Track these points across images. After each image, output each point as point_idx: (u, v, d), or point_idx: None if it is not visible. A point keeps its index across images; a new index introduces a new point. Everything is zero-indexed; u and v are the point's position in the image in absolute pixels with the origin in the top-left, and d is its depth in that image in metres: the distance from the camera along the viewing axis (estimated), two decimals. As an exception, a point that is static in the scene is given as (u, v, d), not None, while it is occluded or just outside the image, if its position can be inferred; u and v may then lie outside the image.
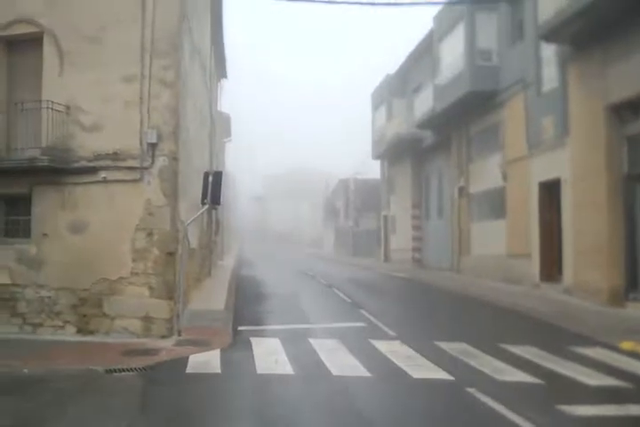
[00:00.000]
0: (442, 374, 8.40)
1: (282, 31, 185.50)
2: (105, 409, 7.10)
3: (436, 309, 15.47)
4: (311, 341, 10.87)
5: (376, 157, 36.62)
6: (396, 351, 9.94)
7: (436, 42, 25.19)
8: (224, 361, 9.42)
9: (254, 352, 9.98)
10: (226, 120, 37.62)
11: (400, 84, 32.36)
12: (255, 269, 31.84)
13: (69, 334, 11.64)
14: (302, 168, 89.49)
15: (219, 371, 8.86)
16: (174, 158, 11.84)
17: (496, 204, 21.62)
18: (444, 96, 23.76)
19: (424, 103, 26.89)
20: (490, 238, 21.86)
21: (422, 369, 8.72)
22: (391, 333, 11.70)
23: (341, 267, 34.14)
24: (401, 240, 33.20)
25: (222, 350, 10.23)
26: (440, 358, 9.35)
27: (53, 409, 7.08)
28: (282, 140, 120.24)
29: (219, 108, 31.83)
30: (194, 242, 16.26)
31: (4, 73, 12.51)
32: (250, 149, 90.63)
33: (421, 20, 30.95)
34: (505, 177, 20.52)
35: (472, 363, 9.07)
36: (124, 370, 8.98)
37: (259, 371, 8.71)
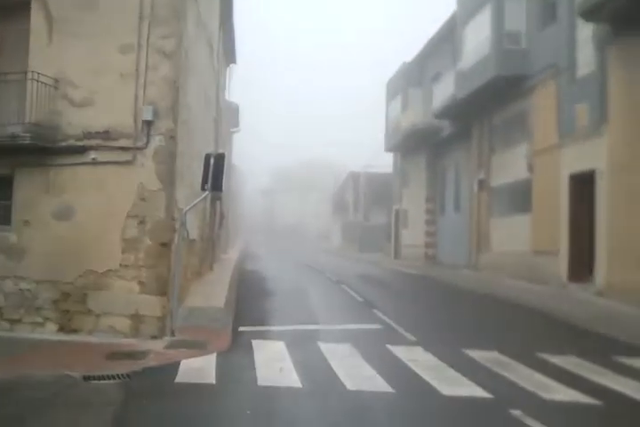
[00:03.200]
0: (477, 391, 7.12)
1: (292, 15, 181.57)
2: (72, 429, 5.84)
3: (458, 310, 14.13)
4: (321, 345, 9.63)
5: (389, 148, 35.19)
6: (419, 360, 8.69)
7: (460, 25, 23.73)
8: (220, 368, 8.20)
9: (256, 358, 8.76)
10: (234, 110, 36.31)
11: (417, 73, 30.93)
12: (260, 263, 30.55)
13: (50, 333, 10.48)
14: (311, 161, 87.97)
15: (213, 381, 7.62)
16: (172, 137, 10.63)
17: (520, 197, 20.26)
18: (466, 82, 22.36)
19: (443, 91, 25.52)
20: (512, 234, 20.51)
21: (453, 383, 7.46)
22: (410, 337, 10.43)
23: (350, 262, 32.85)
24: (413, 235, 31.85)
25: (219, 355, 9.03)
26: (471, 370, 8.09)
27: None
28: (291, 133, 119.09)
29: (227, 98, 30.61)
30: (194, 233, 15.04)
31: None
32: (258, 142, 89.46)
33: (440, 8, 29.07)
34: (531, 169, 19.16)
35: (509, 376, 7.82)
36: (104, 377, 7.79)
37: (260, 382, 7.47)
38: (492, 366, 8.37)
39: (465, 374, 7.80)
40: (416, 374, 7.90)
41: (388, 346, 9.56)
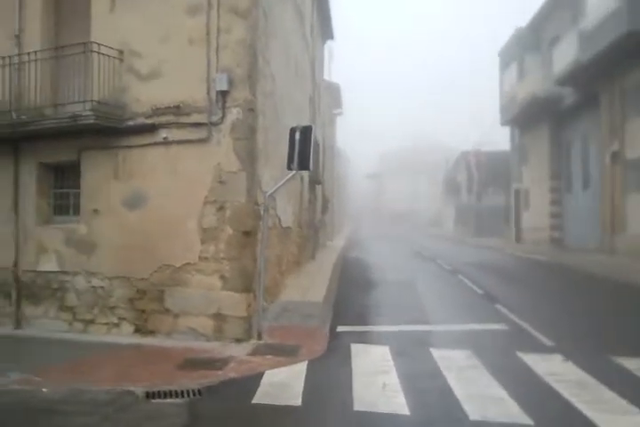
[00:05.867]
0: (650, 425, 5.15)
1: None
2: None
3: (598, 304, 11.82)
4: (433, 352, 7.88)
5: (505, 122, 32.29)
6: (560, 374, 6.78)
7: (582, -22, 20.88)
8: (310, 383, 6.68)
9: (354, 369, 7.16)
10: (335, 90, 34.73)
11: (533, 38, 28.02)
12: (367, 250, 28.84)
13: (126, 334, 9.41)
14: (420, 143, 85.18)
15: (298, 402, 6.08)
16: (250, 110, 9.12)
17: (662, 170, 17.37)
18: (591, 43, 19.60)
19: (565, 55, 22.69)
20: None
21: (612, 411, 5.56)
22: (546, 341, 8.45)
23: (465, 248, 30.51)
24: (535, 217, 29.01)
25: (311, 363, 7.54)
26: (631, 389, 6.15)
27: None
28: (398, 114, 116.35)
29: (327, 78, 29.12)
30: (288, 220, 13.60)
31: (51, 14, 10.33)
32: (364, 125, 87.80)
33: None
34: (676, 135, 16.27)
35: (687, 398, 5.78)
36: (170, 394, 6.47)
37: (356, 406, 5.87)
38: (656, 381, 6.37)
39: (624, 395, 5.90)
40: (560, 396, 6.01)
41: (519, 354, 7.69)
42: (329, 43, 27.17)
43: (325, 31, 25.08)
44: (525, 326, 9.43)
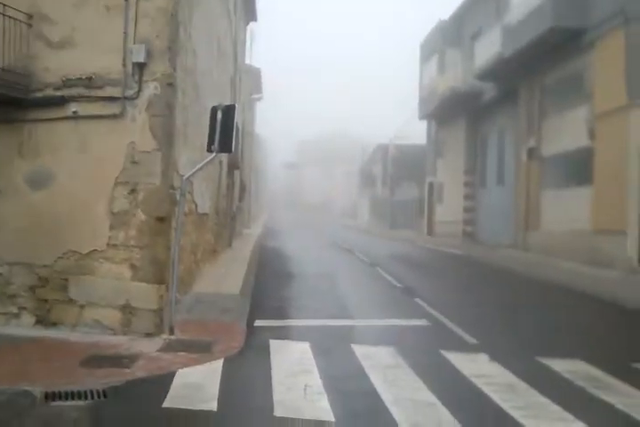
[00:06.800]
0: (584, 431, 4.98)
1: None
2: None
3: (518, 300, 11.89)
4: (356, 349, 7.53)
5: (423, 116, 32.56)
6: (488, 376, 6.54)
7: (507, -29, 21.11)
8: (226, 385, 6.14)
9: (273, 369, 6.69)
10: (256, 74, 33.97)
11: (455, 31, 28.29)
12: (284, 240, 28.40)
13: (26, 326, 8.49)
14: (337, 133, 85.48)
15: (214, 407, 5.53)
16: (169, 84, 8.44)
17: (578, 168, 17.85)
18: (514, 38, 19.84)
19: (486, 50, 22.95)
20: (567, 210, 18.12)
21: (547, 418, 5.31)
22: (469, 338, 8.30)
23: (381, 240, 30.63)
24: (449, 211, 29.46)
25: (227, 362, 6.99)
26: (562, 393, 5.94)
27: None
28: (316, 103, 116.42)
29: (248, 62, 28.35)
30: (205, 205, 12.95)
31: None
32: (282, 112, 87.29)
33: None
34: (592, 135, 16.68)
35: (614, 402, 5.68)
36: (72, 395, 5.76)
37: (277, 411, 5.39)
38: (584, 384, 6.26)
39: (556, 401, 5.65)
40: (491, 401, 5.75)
41: (443, 352, 7.46)
42: (251, 25, 26.42)
43: (249, 12, 24.33)
44: (446, 321, 9.28)
